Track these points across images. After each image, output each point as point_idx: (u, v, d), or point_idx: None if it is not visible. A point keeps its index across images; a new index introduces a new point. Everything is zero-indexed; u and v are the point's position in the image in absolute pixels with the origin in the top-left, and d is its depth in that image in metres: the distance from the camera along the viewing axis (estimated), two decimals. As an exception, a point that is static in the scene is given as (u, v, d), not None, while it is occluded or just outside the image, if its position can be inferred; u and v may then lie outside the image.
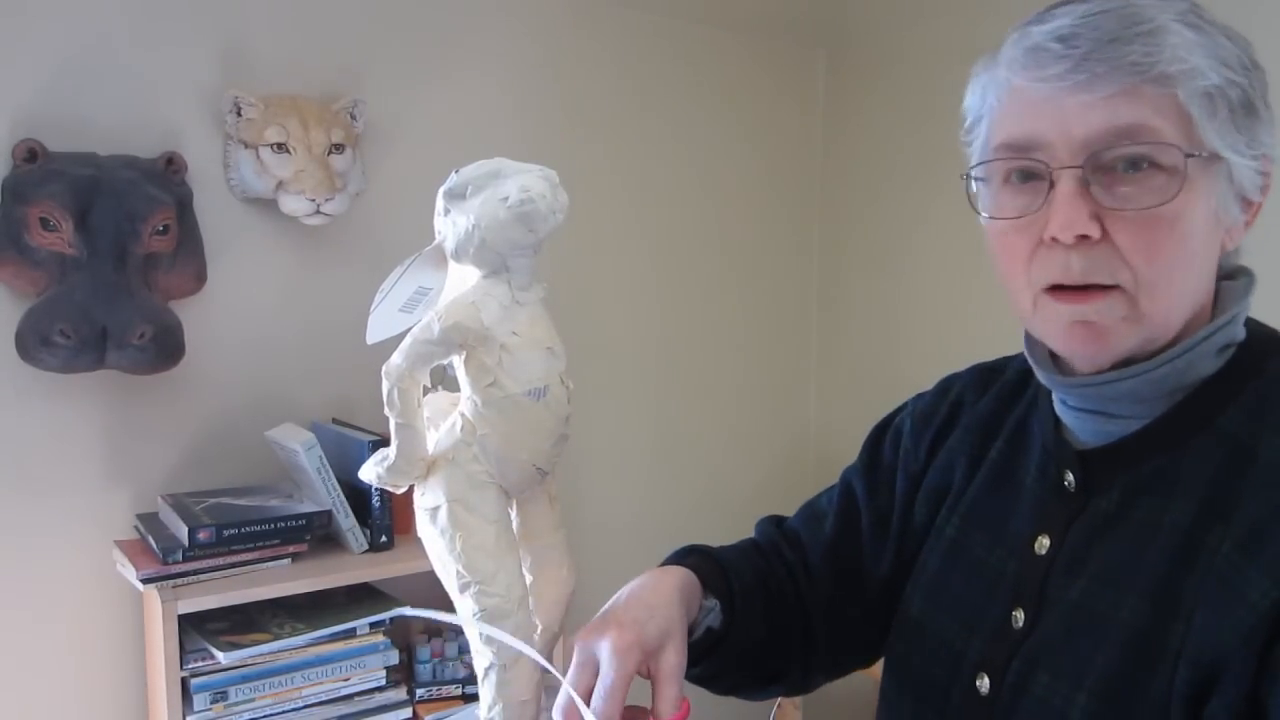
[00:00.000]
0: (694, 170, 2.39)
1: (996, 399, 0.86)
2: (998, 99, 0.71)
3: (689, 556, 0.87)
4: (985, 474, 0.83)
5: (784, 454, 2.62)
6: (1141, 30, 0.63)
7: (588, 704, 0.68)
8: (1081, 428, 0.75)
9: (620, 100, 2.26)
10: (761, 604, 0.87)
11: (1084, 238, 0.65)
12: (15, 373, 1.58)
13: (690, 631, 0.79)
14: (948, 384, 0.93)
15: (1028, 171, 0.68)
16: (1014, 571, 0.76)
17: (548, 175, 0.79)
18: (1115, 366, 0.70)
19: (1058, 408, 0.77)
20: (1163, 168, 0.64)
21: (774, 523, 0.98)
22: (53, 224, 1.51)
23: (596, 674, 0.69)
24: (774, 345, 2.59)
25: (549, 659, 0.82)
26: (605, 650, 0.69)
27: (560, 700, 0.71)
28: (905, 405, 0.96)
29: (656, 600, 0.75)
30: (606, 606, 0.76)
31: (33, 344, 1.50)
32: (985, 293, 2.21)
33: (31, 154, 1.54)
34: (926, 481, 0.88)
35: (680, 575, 0.80)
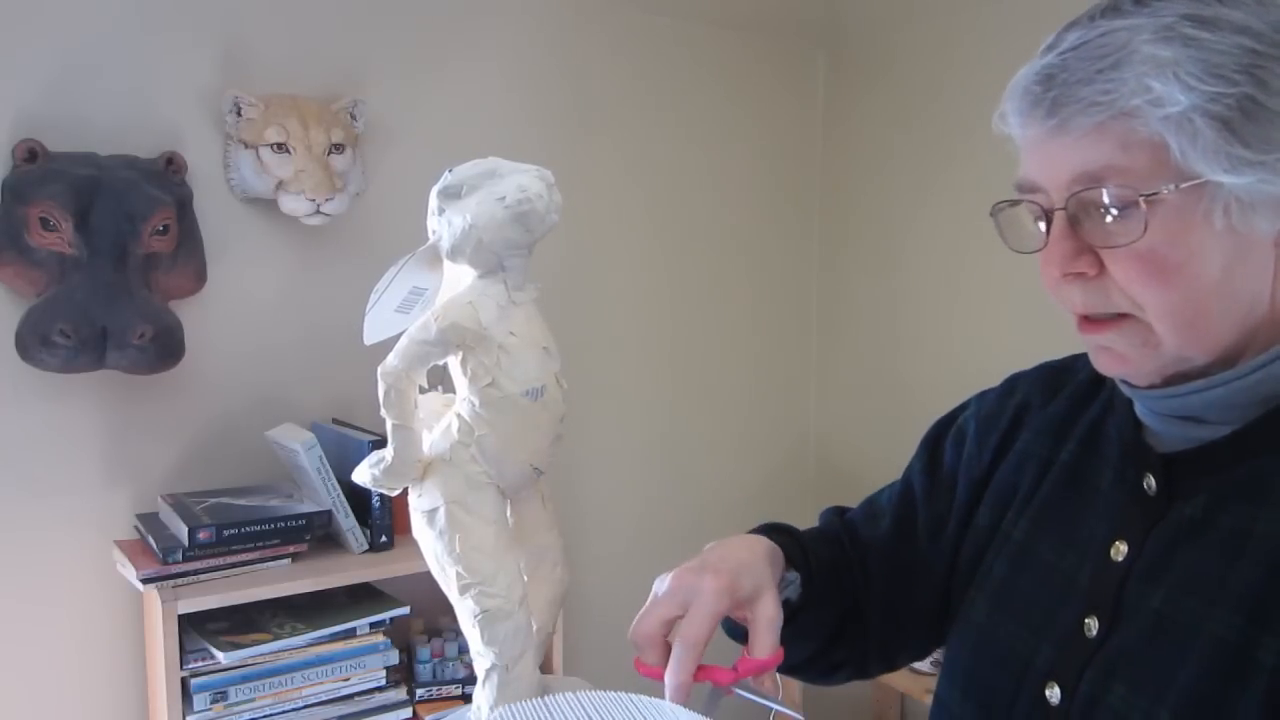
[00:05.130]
0: (693, 169, 2.39)
1: (1069, 400, 0.84)
2: (1018, 136, 0.71)
3: (773, 533, 0.87)
4: (1056, 477, 0.80)
5: (784, 455, 2.62)
6: (1105, 65, 0.63)
7: (667, 631, 0.72)
8: (1167, 431, 0.73)
9: (619, 100, 2.26)
10: (834, 588, 0.87)
11: (1079, 274, 0.67)
12: (15, 373, 1.58)
13: None
14: (1012, 383, 0.90)
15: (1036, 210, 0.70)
16: (1087, 577, 0.73)
17: (544, 175, 0.79)
18: (1187, 378, 0.69)
19: (1140, 412, 0.75)
20: (1130, 206, 0.64)
21: (837, 513, 0.98)
22: (53, 224, 1.52)
23: (682, 609, 0.72)
24: (774, 345, 2.59)
25: (543, 658, 0.82)
26: (702, 588, 0.72)
27: (644, 627, 0.73)
28: (968, 404, 0.93)
29: (751, 558, 0.78)
30: (700, 557, 0.78)
31: (33, 344, 1.50)
32: (984, 293, 2.20)
33: (31, 154, 1.54)
34: (993, 484, 0.86)
35: (768, 543, 0.82)
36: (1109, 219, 0.65)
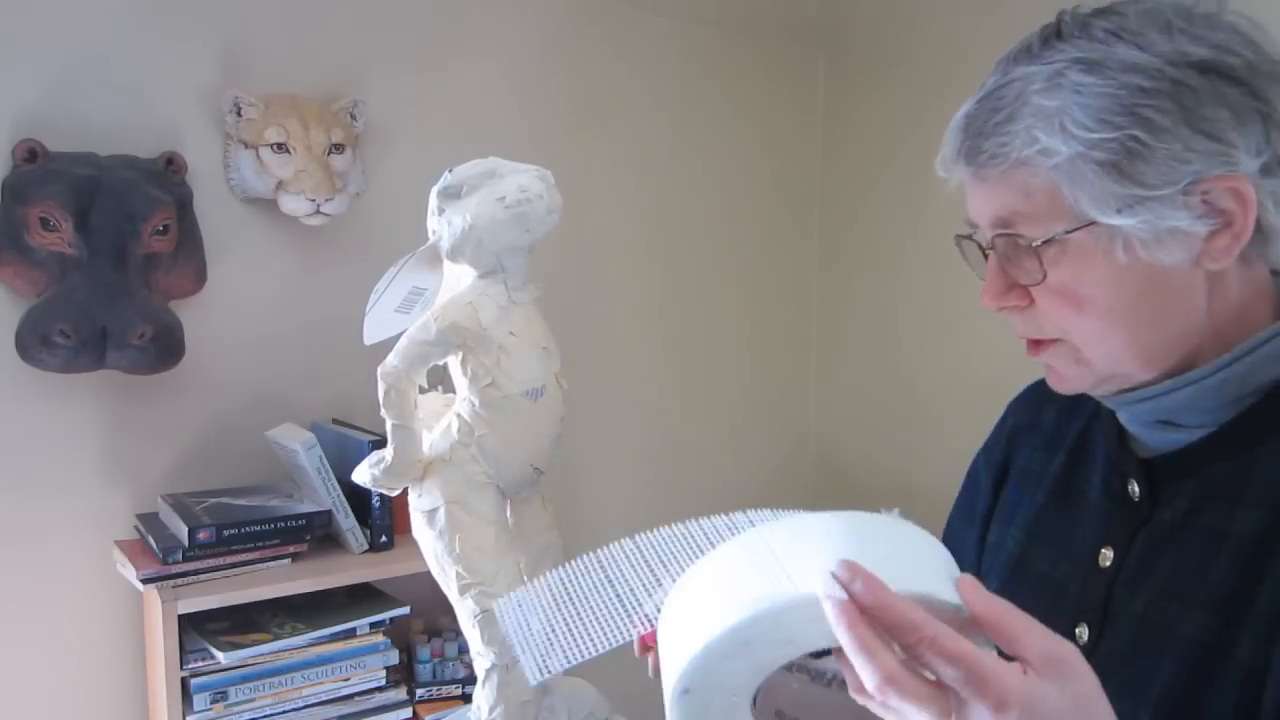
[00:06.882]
0: (694, 170, 2.39)
1: (1057, 412, 0.86)
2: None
3: None
4: (1047, 488, 0.82)
5: (784, 454, 2.62)
6: (1000, 118, 0.67)
7: None
8: (1149, 437, 0.74)
9: (620, 101, 2.26)
10: None
11: (1014, 305, 0.72)
12: (15, 373, 1.58)
13: None
14: (1005, 411, 0.94)
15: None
16: (1077, 586, 0.74)
17: (544, 175, 0.79)
18: (1143, 386, 0.70)
19: (1123, 419, 0.76)
20: (1036, 247, 0.67)
21: None
22: (53, 224, 1.52)
23: None
24: (774, 345, 2.59)
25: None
26: None
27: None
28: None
29: None
30: None
31: (33, 344, 1.50)
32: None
33: (31, 154, 1.54)
34: (999, 508, 0.88)
35: None
36: (1023, 259, 0.69)
